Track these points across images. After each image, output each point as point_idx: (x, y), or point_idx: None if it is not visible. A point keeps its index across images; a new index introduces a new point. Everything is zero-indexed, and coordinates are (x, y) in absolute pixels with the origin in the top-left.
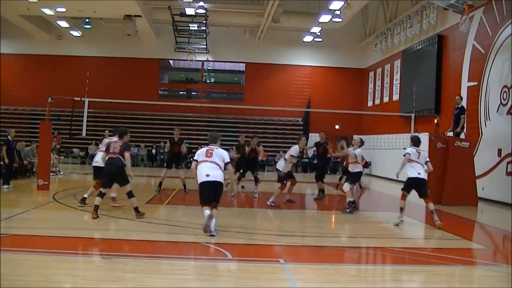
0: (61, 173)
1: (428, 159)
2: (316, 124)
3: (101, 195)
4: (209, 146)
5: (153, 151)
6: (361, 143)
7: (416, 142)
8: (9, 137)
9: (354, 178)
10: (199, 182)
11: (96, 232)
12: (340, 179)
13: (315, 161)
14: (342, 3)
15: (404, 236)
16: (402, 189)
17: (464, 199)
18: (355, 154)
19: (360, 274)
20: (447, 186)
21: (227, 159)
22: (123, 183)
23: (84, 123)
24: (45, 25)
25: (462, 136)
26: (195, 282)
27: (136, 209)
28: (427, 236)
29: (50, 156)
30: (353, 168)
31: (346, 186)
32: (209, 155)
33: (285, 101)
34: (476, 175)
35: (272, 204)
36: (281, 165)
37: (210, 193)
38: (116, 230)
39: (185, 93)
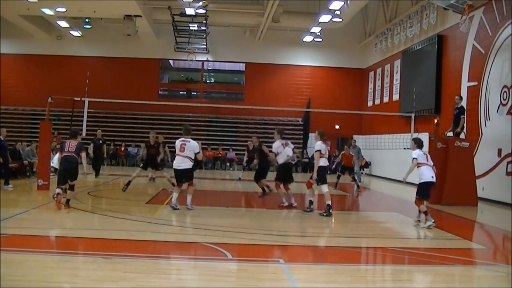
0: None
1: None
2: (316, 124)
3: (64, 189)
4: (183, 139)
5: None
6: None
7: (421, 144)
8: (0, 136)
9: (318, 174)
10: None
11: (96, 232)
12: (338, 177)
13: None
14: (342, 3)
15: (404, 236)
16: (418, 196)
17: (464, 199)
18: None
19: (360, 274)
20: (447, 186)
21: (197, 150)
22: (73, 179)
23: (84, 123)
24: (45, 25)
25: (462, 136)
26: (195, 282)
27: (68, 201)
28: (427, 236)
29: (50, 156)
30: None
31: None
32: (182, 149)
33: (285, 101)
34: (476, 175)
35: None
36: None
37: (180, 176)
38: (116, 230)
39: (185, 93)
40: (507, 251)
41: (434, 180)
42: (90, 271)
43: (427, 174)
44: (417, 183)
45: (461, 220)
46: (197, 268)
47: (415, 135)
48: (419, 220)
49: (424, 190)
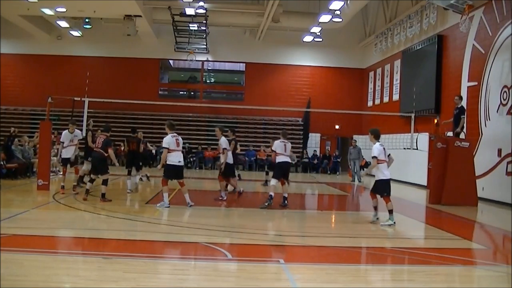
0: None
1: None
2: (316, 124)
3: (92, 181)
4: (175, 135)
5: (153, 151)
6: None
7: (378, 134)
8: None
9: (225, 171)
10: (170, 163)
11: (96, 232)
12: (267, 173)
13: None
14: (342, 3)
15: (404, 236)
16: (377, 192)
17: (464, 199)
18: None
19: (360, 274)
20: (447, 186)
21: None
22: (102, 173)
23: (84, 123)
24: (45, 25)
25: (462, 136)
26: (195, 282)
27: (103, 195)
28: (427, 236)
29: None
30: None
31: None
32: (178, 145)
33: (285, 101)
34: (476, 175)
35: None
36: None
37: (177, 173)
38: (116, 230)
39: (185, 93)
40: (507, 251)
41: (390, 176)
42: (90, 271)
43: (386, 172)
44: (419, 183)
45: (461, 220)
46: (197, 268)
47: (415, 135)
48: (377, 218)
49: (385, 187)
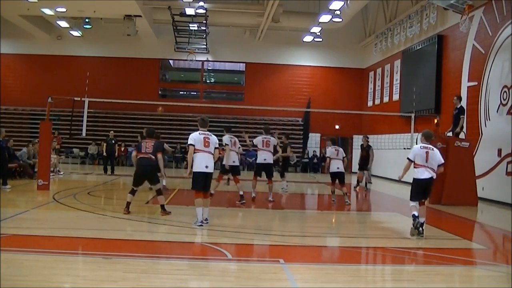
0: (61, 173)
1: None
2: (316, 124)
3: (133, 192)
4: (204, 133)
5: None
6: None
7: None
8: None
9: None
10: (196, 170)
11: (96, 232)
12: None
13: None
14: (342, 3)
15: (404, 236)
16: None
17: (464, 199)
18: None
19: (360, 274)
20: (447, 186)
21: (217, 144)
22: (153, 183)
23: (84, 123)
24: (45, 25)
25: (462, 136)
26: (195, 282)
27: (162, 206)
28: (427, 236)
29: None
30: None
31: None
32: (206, 144)
33: (285, 101)
34: (476, 175)
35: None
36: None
37: (204, 182)
38: (116, 230)
39: (185, 93)
40: (507, 251)
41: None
42: (90, 271)
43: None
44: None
45: (461, 220)
46: (197, 268)
47: (415, 135)
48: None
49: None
